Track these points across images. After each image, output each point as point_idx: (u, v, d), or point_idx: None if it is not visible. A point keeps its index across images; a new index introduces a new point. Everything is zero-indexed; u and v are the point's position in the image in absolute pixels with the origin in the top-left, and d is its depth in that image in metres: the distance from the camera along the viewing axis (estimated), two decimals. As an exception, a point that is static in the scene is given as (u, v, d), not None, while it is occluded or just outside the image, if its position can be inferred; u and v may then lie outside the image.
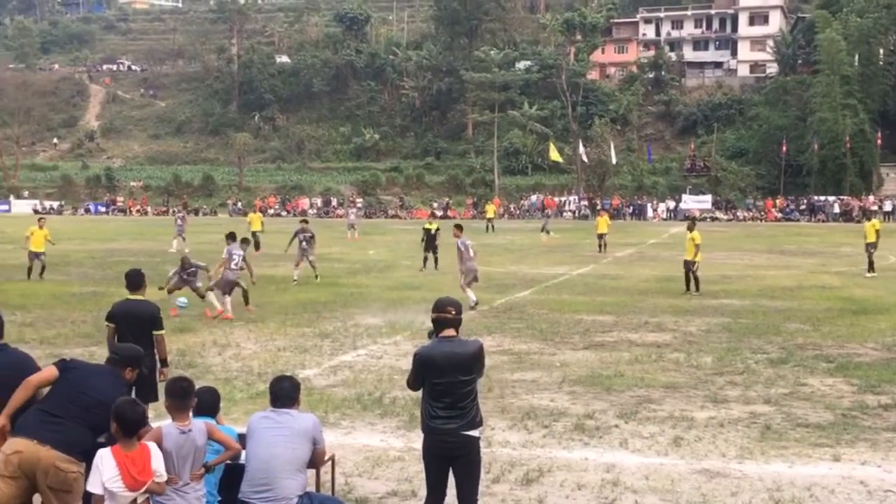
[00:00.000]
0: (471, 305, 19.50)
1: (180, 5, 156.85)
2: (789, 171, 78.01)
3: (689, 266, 23.62)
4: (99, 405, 6.02)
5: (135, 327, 9.20)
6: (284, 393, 6.57)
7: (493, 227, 54.20)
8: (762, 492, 8.36)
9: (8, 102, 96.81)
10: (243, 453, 6.53)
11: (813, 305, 21.17)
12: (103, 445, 5.85)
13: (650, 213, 76.67)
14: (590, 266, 31.81)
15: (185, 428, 6.10)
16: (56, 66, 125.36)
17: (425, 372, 6.67)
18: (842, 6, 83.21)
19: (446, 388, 6.58)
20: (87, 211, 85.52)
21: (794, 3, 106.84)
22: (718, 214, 74.42)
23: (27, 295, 22.18)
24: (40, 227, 26.68)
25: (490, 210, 58.29)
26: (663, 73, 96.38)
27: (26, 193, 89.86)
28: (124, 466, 5.67)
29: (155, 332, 9.26)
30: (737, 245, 42.76)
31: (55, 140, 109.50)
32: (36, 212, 71.21)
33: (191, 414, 6.37)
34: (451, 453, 6.66)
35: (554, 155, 79.16)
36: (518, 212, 78.71)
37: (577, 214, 76.83)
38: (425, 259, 30.08)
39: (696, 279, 23.51)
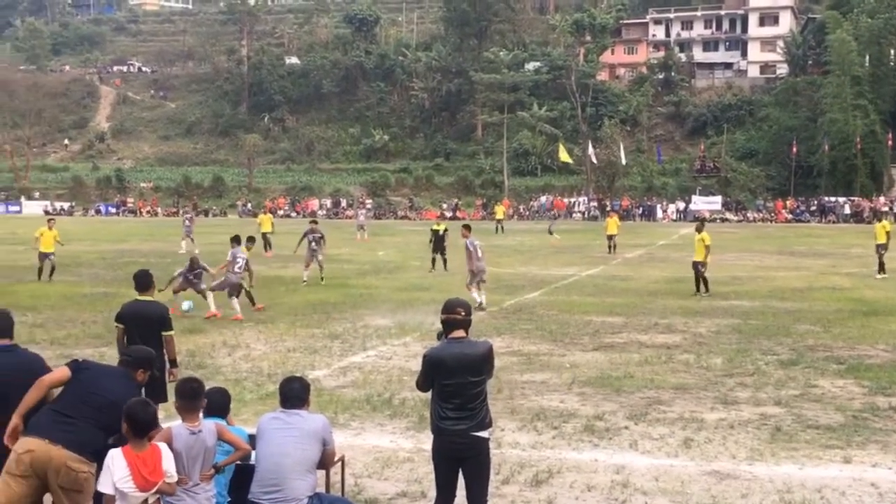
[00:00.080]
0: (475, 306, 19.47)
1: (190, 7, 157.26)
2: (800, 172, 77.81)
3: (698, 267, 23.57)
4: (110, 406, 6.04)
5: (144, 328, 9.21)
6: (294, 394, 6.57)
7: (502, 228, 54.22)
8: (772, 494, 8.33)
9: (19, 104, 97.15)
10: (253, 454, 6.55)
11: (823, 307, 21.09)
12: (114, 446, 5.86)
13: (660, 214, 76.54)
14: (599, 267, 31.77)
15: (195, 428, 6.11)
16: (67, 67, 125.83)
17: (435, 373, 6.67)
18: (852, 7, 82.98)
19: (456, 389, 6.58)
20: (98, 212, 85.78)
21: (804, 3, 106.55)
22: (728, 215, 74.23)
23: (38, 296, 22.26)
24: (49, 228, 26.77)
25: (500, 211, 58.32)
26: (673, 73, 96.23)
27: (37, 194, 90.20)
28: (135, 467, 5.68)
29: (164, 333, 9.28)
30: (747, 246, 42.65)
31: (66, 141, 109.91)
32: (47, 213, 71.45)
33: (201, 415, 6.38)
34: (461, 454, 6.66)
35: (563, 156, 79.07)
36: (527, 213, 78.66)
37: (586, 215, 76.75)
38: (434, 260, 30.08)
39: (705, 280, 23.46)
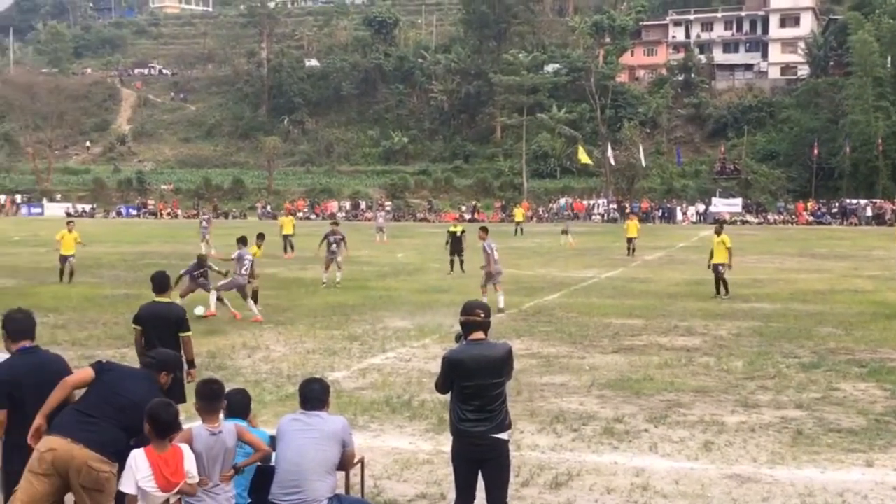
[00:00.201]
0: (495, 310, 19.46)
1: (211, 10, 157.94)
2: (821, 173, 77.35)
3: (718, 269, 23.46)
4: (133, 407, 6.07)
5: (161, 329, 9.27)
6: (314, 395, 6.59)
7: (521, 230, 54.14)
8: (794, 497, 8.29)
9: (41, 107, 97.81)
10: (273, 455, 6.57)
11: (845, 309, 20.96)
12: (136, 447, 5.90)
13: (679, 216, 76.25)
14: (619, 269, 31.69)
15: (214, 429, 6.14)
16: (88, 70, 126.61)
17: (454, 375, 6.67)
18: (874, 7, 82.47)
19: (475, 391, 6.57)
20: (119, 214, 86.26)
21: (825, 4, 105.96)
22: (749, 218, 73.86)
23: (59, 297, 22.41)
24: (69, 231, 26.95)
25: (519, 213, 58.23)
26: (693, 75, 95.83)
27: (59, 196, 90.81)
28: (157, 467, 5.72)
29: (181, 334, 9.33)
30: (767, 248, 42.45)
31: (87, 143, 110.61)
32: (68, 215, 71.90)
33: (221, 416, 6.41)
34: (481, 456, 6.65)
35: (583, 157, 78.89)
36: (546, 215, 78.55)
37: (605, 217, 76.56)
38: (452, 262, 30.08)
39: (726, 283, 23.36)
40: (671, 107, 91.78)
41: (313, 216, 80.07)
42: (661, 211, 77.38)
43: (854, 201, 73.51)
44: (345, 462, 6.62)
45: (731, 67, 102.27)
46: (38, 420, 6.17)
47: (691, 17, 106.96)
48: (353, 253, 28.79)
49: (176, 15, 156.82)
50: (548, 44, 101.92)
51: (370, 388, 12.55)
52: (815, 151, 76.43)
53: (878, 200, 72.70)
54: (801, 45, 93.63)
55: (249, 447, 6.42)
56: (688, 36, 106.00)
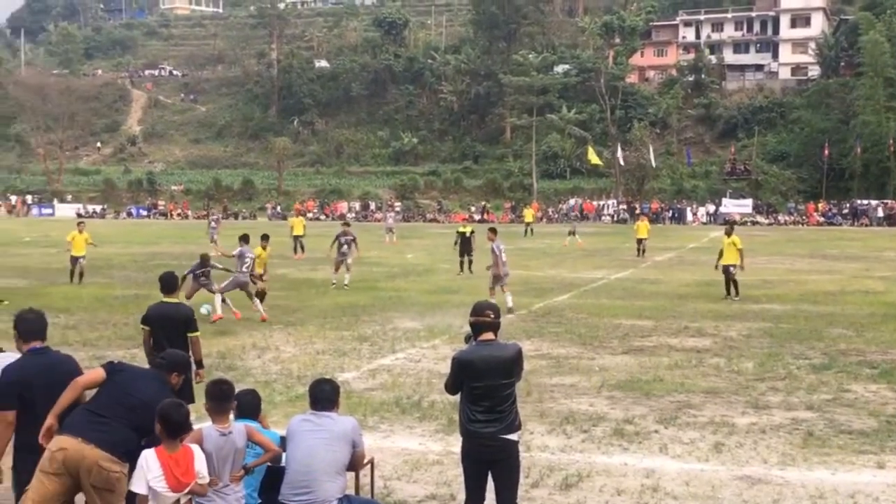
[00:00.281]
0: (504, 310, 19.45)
1: (221, 11, 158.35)
2: (832, 174, 77.09)
3: (729, 270, 23.40)
4: (144, 407, 6.09)
5: (170, 329, 9.30)
6: (324, 396, 6.60)
7: (531, 231, 54.09)
8: (805, 499, 8.27)
9: (52, 108, 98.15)
10: (283, 456, 6.57)
11: (856, 311, 20.90)
12: (147, 447, 5.91)
13: (689, 217, 76.11)
14: (629, 270, 31.65)
15: (225, 430, 6.15)
16: (99, 71, 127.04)
17: (464, 376, 6.66)
18: (885, 8, 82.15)
19: (485, 391, 6.57)
20: (129, 215, 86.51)
21: (836, 4, 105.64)
22: (759, 218, 73.67)
23: (70, 298, 22.48)
24: (80, 232, 27.00)
25: (529, 214, 58.17)
26: (703, 76, 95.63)
27: (70, 197, 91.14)
28: (168, 467, 5.73)
29: (190, 334, 9.35)
30: (778, 249, 42.34)
31: (98, 144, 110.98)
32: (79, 215, 72.09)
33: (231, 416, 6.42)
34: (490, 457, 6.65)
35: (593, 158, 78.80)
36: (556, 216, 78.47)
37: (615, 218, 76.47)
38: (461, 263, 30.07)
39: (736, 284, 23.29)
40: (681, 107, 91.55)
41: (323, 217, 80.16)
42: (671, 212, 77.21)
43: (865, 202, 73.26)
44: (355, 463, 6.63)
45: (742, 68, 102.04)
46: (50, 420, 6.19)
47: (701, 17, 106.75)
48: (363, 254, 28.81)
49: (186, 16, 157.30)
50: (557, 44, 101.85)
51: (380, 389, 12.56)
52: (826, 152, 76.18)
53: (889, 201, 72.43)
54: (812, 45, 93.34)
55: (260, 448, 6.44)
56: (698, 36, 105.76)
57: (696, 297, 23.49)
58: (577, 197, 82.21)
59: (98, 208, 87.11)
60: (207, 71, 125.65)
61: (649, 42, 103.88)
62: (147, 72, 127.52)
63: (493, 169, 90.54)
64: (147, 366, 7.29)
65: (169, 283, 9.80)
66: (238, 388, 6.83)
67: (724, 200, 77.65)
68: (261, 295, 20.35)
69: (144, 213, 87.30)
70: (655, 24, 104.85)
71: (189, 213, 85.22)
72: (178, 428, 5.84)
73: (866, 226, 69.34)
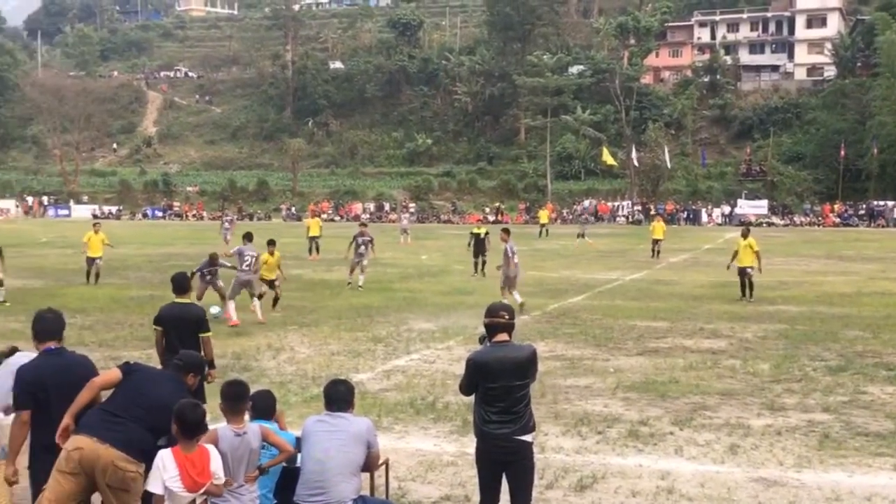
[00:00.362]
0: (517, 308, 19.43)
1: (236, 13, 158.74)
2: (848, 175, 76.72)
3: (745, 273, 23.29)
4: (159, 408, 6.11)
5: (182, 330, 9.33)
6: (339, 396, 6.61)
7: (546, 232, 54.01)
8: (821, 501, 8.24)
9: (69, 109, 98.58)
10: (299, 457, 6.59)
11: (872, 312, 20.79)
12: (164, 447, 5.93)
13: (705, 218, 75.92)
14: (643, 271, 31.58)
15: (239, 430, 6.17)
16: (115, 73, 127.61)
17: (479, 377, 6.66)
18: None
19: (500, 392, 6.57)
20: (145, 216, 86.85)
21: (852, 5, 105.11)
22: (775, 220, 73.43)
23: (86, 298, 22.58)
24: (95, 232, 27.06)
25: (544, 216, 58.11)
26: (718, 76, 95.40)
27: (86, 198, 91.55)
28: (184, 467, 5.75)
29: (201, 335, 9.37)
30: (794, 251, 42.16)
31: (115, 146, 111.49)
32: (94, 216, 72.44)
33: (247, 416, 6.44)
34: (505, 458, 6.65)
35: (607, 159, 78.68)
36: (570, 217, 78.36)
37: (630, 219, 76.31)
38: (476, 264, 30.03)
39: (752, 286, 23.20)
40: (696, 108, 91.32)
41: (337, 218, 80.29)
42: (686, 213, 77.05)
43: (882, 203, 72.91)
44: (369, 463, 6.63)
45: (757, 68, 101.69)
46: (66, 420, 6.22)
47: (717, 18, 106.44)
48: (378, 255, 28.83)
49: (201, 18, 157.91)
50: (572, 45, 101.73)
51: (394, 390, 12.57)
52: (842, 153, 75.84)
53: (905, 202, 72.11)
54: (828, 45, 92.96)
55: (274, 448, 6.46)
56: (713, 37, 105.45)
57: (712, 299, 23.43)
58: (592, 198, 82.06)
59: (114, 209, 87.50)
60: (222, 72, 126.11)
61: (664, 43, 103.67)
62: (162, 73, 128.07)
63: (507, 170, 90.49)
64: (159, 366, 7.32)
65: (181, 283, 9.85)
66: (253, 388, 6.85)
67: (740, 201, 77.40)
68: (275, 299, 20.41)
69: (160, 214, 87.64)
70: (670, 24, 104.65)
71: (204, 214, 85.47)
72: (194, 428, 5.87)
73: (883, 227, 69.00)
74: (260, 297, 19.72)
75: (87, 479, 5.97)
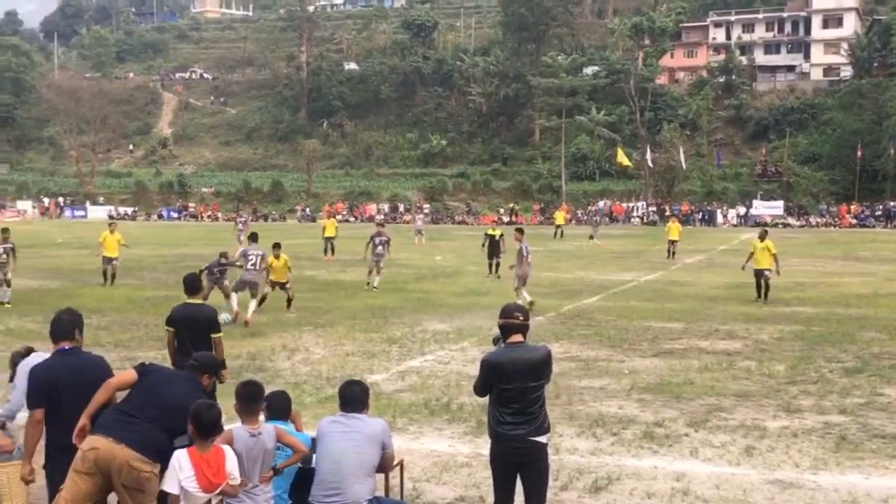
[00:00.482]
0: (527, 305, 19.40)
1: (251, 14, 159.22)
2: (864, 176, 76.27)
3: (763, 275, 23.14)
4: (174, 408, 6.13)
5: (193, 330, 9.35)
6: (354, 397, 6.62)
7: (562, 233, 53.87)
8: (837, 503, 8.19)
9: (85, 111, 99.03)
10: (314, 457, 6.60)
11: (889, 314, 20.67)
12: (185, 447, 5.95)
13: (720, 219, 75.64)
14: (658, 272, 31.49)
15: (254, 431, 6.19)
16: (131, 74, 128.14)
17: (494, 378, 6.66)
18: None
19: (515, 394, 6.56)
20: (160, 217, 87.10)
21: (869, 5, 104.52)
22: (791, 220, 73.09)
23: (102, 299, 22.67)
24: (111, 233, 27.12)
25: (560, 217, 57.98)
26: (734, 77, 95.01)
27: (102, 199, 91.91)
28: (200, 468, 5.77)
29: (213, 335, 9.40)
30: (810, 252, 41.96)
31: (131, 147, 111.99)
32: (111, 217, 72.69)
33: (262, 417, 6.46)
34: (519, 459, 6.64)
35: (622, 160, 78.47)
36: (585, 217, 78.18)
37: (644, 220, 76.13)
38: (490, 265, 29.99)
39: (768, 288, 23.08)
40: (711, 109, 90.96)
41: (352, 219, 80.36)
42: (701, 214, 76.78)
43: (898, 204, 72.51)
44: (384, 464, 6.64)
45: (773, 69, 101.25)
46: (83, 420, 6.26)
47: (732, 18, 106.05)
48: (392, 255, 28.84)
49: (217, 19, 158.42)
50: (587, 46, 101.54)
51: (409, 391, 12.57)
52: (859, 153, 75.38)
53: (922, 203, 71.66)
54: (844, 45, 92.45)
55: (289, 449, 6.47)
56: (728, 37, 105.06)
57: (727, 300, 23.34)
58: (607, 199, 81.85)
59: (129, 210, 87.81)
60: (237, 74, 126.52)
61: (679, 43, 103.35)
62: (178, 75, 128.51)
63: (521, 171, 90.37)
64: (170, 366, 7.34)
65: (192, 284, 9.89)
66: (268, 389, 6.86)
67: (755, 202, 77.04)
68: (288, 301, 20.47)
69: (175, 215, 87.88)
70: (685, 25, 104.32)
71: (219, 215, 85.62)
72: (209, 428, 5.88)
73: (900, 228, 68.61)
74: (262, 300, 19.80)
75: (102, 480, 6.00)
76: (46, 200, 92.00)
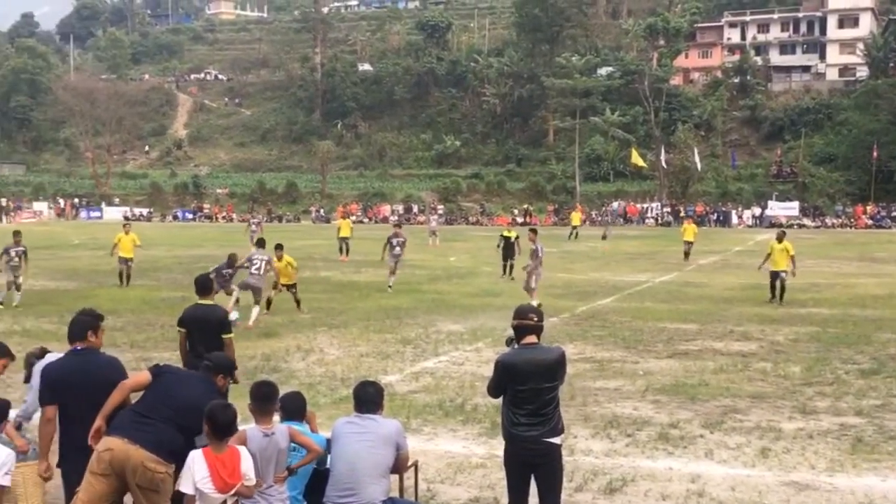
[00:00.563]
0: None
1: (266, 16, 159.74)
2: (880, 176, 75.88)
3: (780, 277, 23.01)
4: (188, 408, 6.16)
5: (205, 331, 9.38)
6: (369, 398, 6.63)
7: (577, 234, 53.74)
8: (853, 506, 8.16)
9: (101, 112, 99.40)
10: (328, 458, 6.61)
11: (906, 315, 20.57)
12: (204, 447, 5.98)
13: (735, 220, 75.38)
14: (673, 274, 31.41)
15: (267, 431, 6.20)
16: (146, 76, 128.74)
17: (508, 379, 6.65)
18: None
19: (529, 395, 6.56)
20: (175, 218, 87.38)
21: (885, 4, 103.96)
22: (806, 221, 72.80)
23: (118, 300, 22.75)
24: (126, 233, 27.17)
25: (576, 218, 57.87)
26: (749, 77, 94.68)
27: (117, 200, 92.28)
28: (215, 468, 5.78)
29: (224, 336, 9.43)
30: (825, 252, 41.77)
31: (146, 148, 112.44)
32: (126, 219, 72.93)
33: (276, 417, 6.47)
34: (534, 460, 6.64)
35: (637, 161, 78.26)
36: (599, 218, 77.98)
37: (659, 221, 75.93)
38: (504, 267, 29.94)
39: (784, 290, 22.97)
40: (726, 109, 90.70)
41: (366, 220, 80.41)
42: (715, 214, 76.53)
43: (915, 204, 72.15)
44: (399, 465, 6.65)
45: (788, 69, 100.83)
46: (98, 421, 6.29)
47: (747, 18, 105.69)
48: (406, 256, 28.85)
49: (231, 21, 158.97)
50: (601, 47, 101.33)
51: (423, 392, 12.57)
52: (875, 154, 75.03)
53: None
54: (860, 45, 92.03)
55: (303, 449, 6.48)
56: (743, 38, 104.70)
57: (742, 301, 23.26)
58: (621, 200, 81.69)
59: (145, 211, 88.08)
60: (252, 75, 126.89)
61: (694, 44, 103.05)
62: (193, 76, 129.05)
63: (535, 172, 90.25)
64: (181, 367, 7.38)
65: (204, 285, 9.92)
66: (283, 390, 6.88)
67: (771, 203, 76.74)
68: (297, 302, 20.52)
69: (190, 216, 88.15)
70: (700, 25, 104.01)
71: (234, 216, 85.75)
72: (224, 429, 5.90)
73: (916, 228, 68.25)
74: (268, 304, 19.86)
75: (118, 480, 6.02)
76: (62, 201, 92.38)
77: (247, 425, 6.36)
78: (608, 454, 9.68)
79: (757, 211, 76.30)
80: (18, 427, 7.59)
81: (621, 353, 15.60)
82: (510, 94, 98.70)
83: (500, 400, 6.84)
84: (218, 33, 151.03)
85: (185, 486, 5.79)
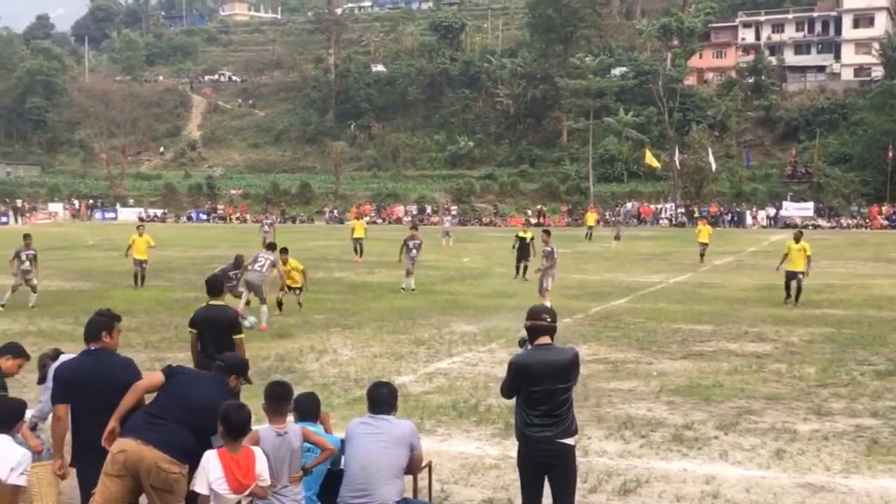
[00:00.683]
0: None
1: (279, 17, 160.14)
2: (896, 177, 75.58)
3: (796, 277, 22.90)
4: (200, 408, 6.18)
5: (216, 332, 9.41)
6: (383, 399, 6.64)
7: (591, 235, 53.65)
8: (869, 508, 8.12)
9: (115, 113, 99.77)
10: (342, 458, 6.62)
11: (922, 316, 20.46)
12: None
13: (749, 220, 75.12)
14: (687, 274, 31.31)
15: (280, 430, 6.22)
16: (160, 77, 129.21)
17: (521, 380, 6.65)
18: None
19: (543, 396, 6.55)
20: (189, 218, 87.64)
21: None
22: (821, 222, 72.47)
23: (132, 301, 22.83)
24: (140, 235, 27.24)
25: (591, 218, 57.78)
26: (763, 77, 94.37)
27: (132, 201, 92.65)
28: (229, 469, 5.80)
29: (235, 337, 9.46)
30: (840, 253, 41.57)
31: (161, 149, 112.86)
32: (140, 220, 73.20)
33: (290, 418, 6.48)
34: (547, 461, 6.62)
35: (651, 161, 78.08)
36: (613, 219, 77.83)
37: (673, 222, 75.75)
38: (518, 268, 29.89)
39: (800, 290, 22.85)
40: (740, 110, 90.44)
41: (379, 220, 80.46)
42: (730, 215, 76.31)
43: (931, 205, 71.73)
44: (413, 466, 6.65)
45: (803, 69, 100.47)
46: (112, 423, 6.31)
47: (761, 18, 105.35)
48: (420, 257, 28.86)
49: (245, 22, 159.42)
50: (615, 47, 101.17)
51: (437, 393, 12.57)
52: (890, 154, 74.65)
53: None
54: (876, 45, 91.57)
55: (317, 448, 6.49)
56: (758, 38, 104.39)
57: (756, 302, 23.18)
58: (635, 200, 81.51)
59: (159, 212, 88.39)
60: (266, 76, 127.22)
61: (708, 44, 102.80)
62: (207, 77, 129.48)
63: (549, 172, 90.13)
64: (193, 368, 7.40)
65: (215, 286, 9.96)
66: (297, 391, 6.89)
67: (785, 203, 76.44)
68: (299, 304, 20.56)
69: (204, 216, 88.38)
70: (714, 25, 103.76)
71: (248, 216, 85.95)
72: (239, 429, 5.91)
73: (932, 229, 67.85)
74: (279, 305, 19.92)
75: (132, 481, 6.05)
76: (77, 203, 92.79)
77: (260, 425, 6.38)
78: (622, 455, 9.66)
79: (771, 211, 76.01)
80: (34, 427, 7.63)
81: (635, 354, 15.56)
82: (524, 94, 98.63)
83: (513, 401, 6.84)
84: (232, 35, 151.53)
85: (199, 487, 5.81)
